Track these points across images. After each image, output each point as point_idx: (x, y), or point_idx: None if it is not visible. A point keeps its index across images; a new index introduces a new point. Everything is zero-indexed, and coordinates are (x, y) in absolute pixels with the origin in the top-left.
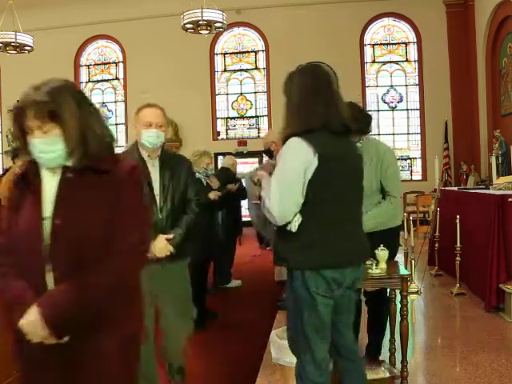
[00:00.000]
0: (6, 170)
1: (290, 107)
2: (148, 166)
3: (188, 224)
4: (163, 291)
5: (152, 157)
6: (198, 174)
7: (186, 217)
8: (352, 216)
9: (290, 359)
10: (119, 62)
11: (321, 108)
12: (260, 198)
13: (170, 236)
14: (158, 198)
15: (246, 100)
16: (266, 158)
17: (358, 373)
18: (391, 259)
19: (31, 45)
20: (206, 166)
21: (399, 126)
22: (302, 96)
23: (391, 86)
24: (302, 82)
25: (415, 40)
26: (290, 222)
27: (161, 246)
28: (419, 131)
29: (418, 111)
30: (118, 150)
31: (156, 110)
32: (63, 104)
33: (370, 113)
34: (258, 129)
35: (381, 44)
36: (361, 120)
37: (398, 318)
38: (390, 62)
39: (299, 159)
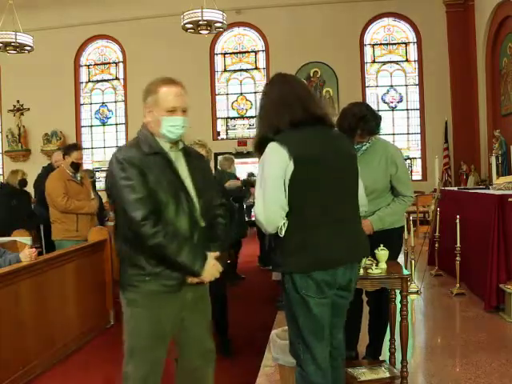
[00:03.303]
0: (47, 168)
1: (260, 115)
2: (173, 160)
3: (225, 237)
4: (190, 320)
5: (175, 148)
6: None
7: (220, 227)
8: (340, 216)
9: (290, 359)
10: (119, 62)
11: (283, 108)
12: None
13: (217, 253)
14: (195, 202)
15: (246, 100)
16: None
17: (340, 370)
18: (395, 259)
19: (31, 45)
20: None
21: (399, 125)
22: (269, 103)
23: (391, 86)
24: (268, 92)
25: (415, 40)
26: (280, 228)
27: (210, 267)
28: (419, 131)
29: (418, 111)
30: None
31: (179, 89)
32: None
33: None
34: None
35: (381, 44)
36: (370, 121)
37: (398, 318)
38: (390, 62)
39: (277, 163)
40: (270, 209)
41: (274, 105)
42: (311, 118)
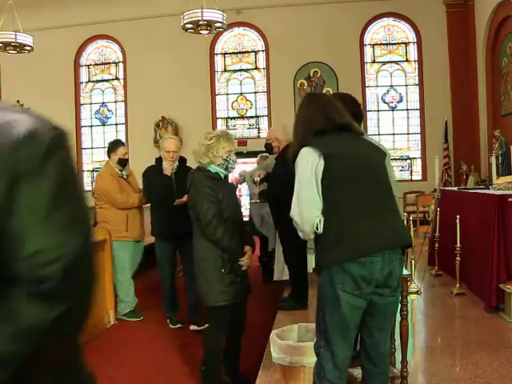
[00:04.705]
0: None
1: (293, 135)
2: None
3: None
4: None
5: None
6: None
7: None
8: (375, 208)
9: (290, 359)
10: (119, 62)
11: (308, 123)
12: (259, 197)
13: None
14: None
15: (246, 100)
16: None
17: (379, 379)
18: None
19: (31, 45)
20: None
21: (399, 125)
22: (298, 123)
23: (391, 85)
24: (297, 115)
25: (415, 40)
26: (317, 226)
27: None
28: (419, 131)
29: (418, 111)
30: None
31: None
32: None
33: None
34: (258, 129)
35: (381, 44)
36: None
37: (398, 318)
38: (390, 62)
39: (308, 163)
40: (305, 209)
41: (301, 124)
42: (334, 127)
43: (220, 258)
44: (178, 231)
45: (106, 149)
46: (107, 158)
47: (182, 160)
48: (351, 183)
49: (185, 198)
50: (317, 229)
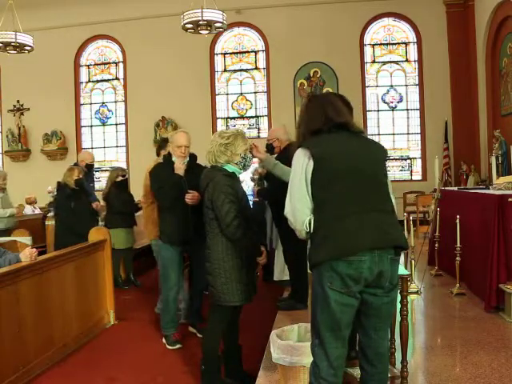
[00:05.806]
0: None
1: (297, 127)
2: None
3: None
4: None
5: None
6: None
7: None
8: (366, 207)
9: (290, 359)
10: (119, 62)
11: (308, 123)
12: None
13: None
14: None
15: (246, 100)
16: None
17: (377, 378)
18: None
19: (31, 45)
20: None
21: (399, 125)
22: (299, 124)
23: (391, 86)
24: (299, 118)
25: (415, 40)
26: (309, 225)
27: None
28: (419, 131)
29: (418, 111)
30: (119, 151)
31: None
32: None
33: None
34: (258, 129)
35: (381, 44)
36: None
37: (398, 318)
38: (390, 62)
39: (300, 164)
40: (296, 207)
41: (302, 123)
42: (332, 126)
43: (239, 258)
44: (190, 234)
45: (156, 148)
46: (107, 158)
47: (193, 157)
48: (342, 183)
49: (195, 197)
50: (307, 228)
